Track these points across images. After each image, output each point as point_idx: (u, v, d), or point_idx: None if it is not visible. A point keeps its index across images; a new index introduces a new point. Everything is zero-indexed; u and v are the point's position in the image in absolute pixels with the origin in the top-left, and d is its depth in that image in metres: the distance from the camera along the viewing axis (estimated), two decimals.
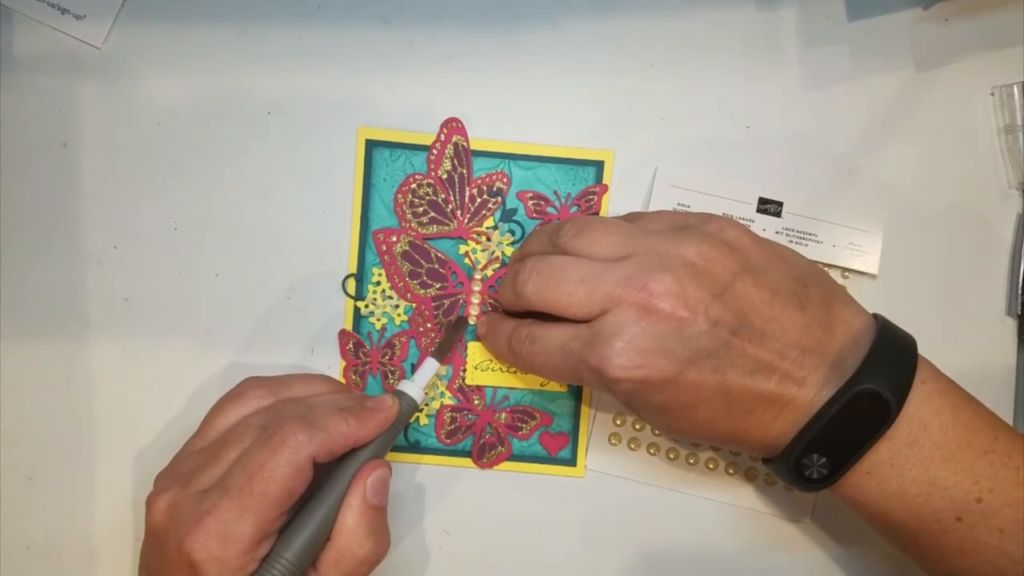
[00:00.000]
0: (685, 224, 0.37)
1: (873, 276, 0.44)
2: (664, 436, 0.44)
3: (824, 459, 0.35)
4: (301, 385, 0.39)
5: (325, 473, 0.36)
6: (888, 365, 0.35)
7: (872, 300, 0.44)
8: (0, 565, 0.43)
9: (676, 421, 0.36)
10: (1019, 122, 0.43)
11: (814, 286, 0.37)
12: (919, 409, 0.35)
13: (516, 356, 0.39)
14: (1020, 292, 0.44)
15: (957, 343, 0.44)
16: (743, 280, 0.35)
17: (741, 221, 0.43)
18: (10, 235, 0.43)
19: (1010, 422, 0.44)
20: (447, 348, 0.42)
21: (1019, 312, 0.44)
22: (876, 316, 0.37)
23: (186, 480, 0.34)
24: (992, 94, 0.44)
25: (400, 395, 0.38)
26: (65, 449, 0.43)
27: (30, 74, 0.43)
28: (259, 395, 0.38)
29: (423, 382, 0.40)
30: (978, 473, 0.34)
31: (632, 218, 0.39)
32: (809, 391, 0.35)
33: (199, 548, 0.32)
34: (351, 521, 0.35)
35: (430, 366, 0.40)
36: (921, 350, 0.44)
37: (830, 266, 0.44)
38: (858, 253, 0.43)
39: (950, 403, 0.35)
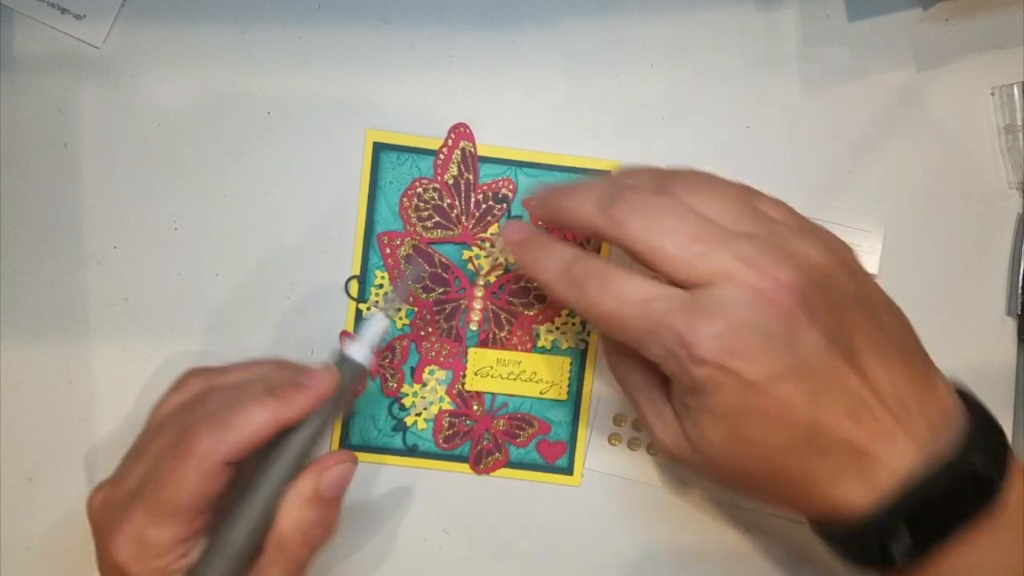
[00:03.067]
0: (808, 228, 0.33)
1: (873, 276, 0.44)
2: (709, 479, 0.37)
3: (909, 537, 0.29)
4: (241, 371, 0.37)
5: (267, 454, 0.34)
6: (988, 444, 0.31)
7: None
8: (0, 565, 0.43)
9: (734, 440, 0.30)
10: (1019, 122, 0.43)
11: (912, 338, 0.33)
12: (1015, 498, 0.30)
13: (574, 287, 0.32)
14: (1020, 292, 0.44)
15: (957, 343, 0.44)
16: (862, 309, 0.31)
17: None
18: (10, 235, 0.43)
19: (1010, 422, 0.44)
20: (399, 299, 0.39)
21: (1019, 312, 0.44)
22: (962, 391, 0.33)
23: (118, 477, 0.35)
24: (992, 94, 0.44)
25: (342, 363, 0.35)
26: (65, 449, 0.43)
27: (30, 74, 0.43)
28: (197, 385, 0.37)
29: (370, 341, 0.36)
30: None
31: (752, 196, 0.34)
32: (900, 453, 0.30)
33: (120, 551, 0.32)
34: (297, 510, 0.34)
35: (377, 323, 0.36)
36: None
37: None
38: (858, 253, 0.43)
39: None
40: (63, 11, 0.43)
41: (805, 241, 0.31)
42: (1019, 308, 0.44)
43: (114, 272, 0.43)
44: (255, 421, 0.33)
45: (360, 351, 0.36)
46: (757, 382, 0.29)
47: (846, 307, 0.31)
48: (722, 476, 0.33)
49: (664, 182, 0.33)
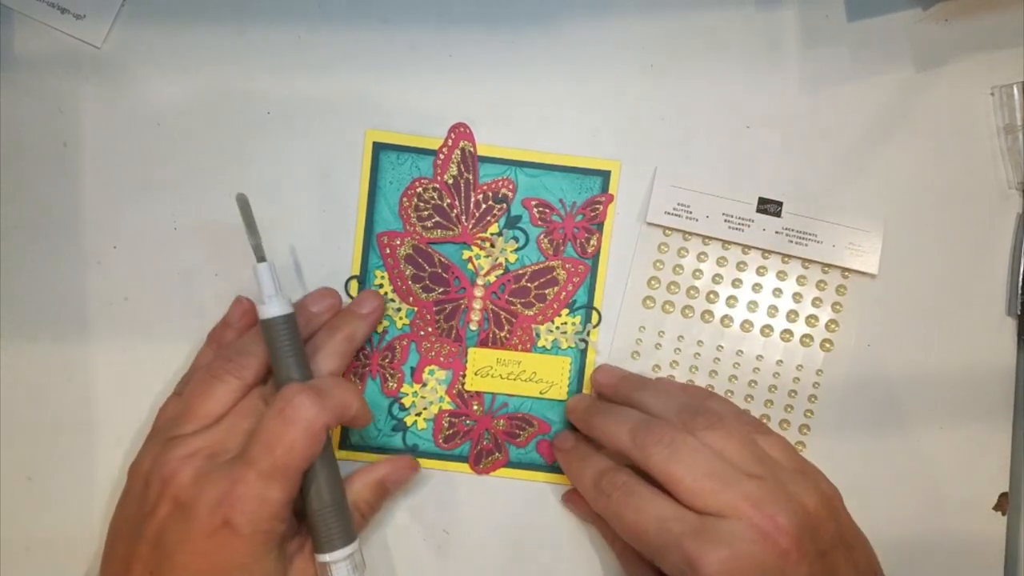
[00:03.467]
0: (803, 470, 0.38)
1: (873, 276, 0.44)
2: None
3: None
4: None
5: None
6: None
7: (872, 300, 0.44)
8: (0, 565, 0.43)
9: None
10: (1019, 122, 0.43)
11: (878, 567, 0.38)
12: None
13: (601, 495, 0.39)
14: (1020, 292, 0.44)
15: (957, 343, 0.44)
16: (841, 551, 0.36)
17: (740, 221, 0.43)
18: (10, 235, 0.43)
19: (1010, 422, 0.44)
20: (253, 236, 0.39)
21: (1019, 312, 0.44)
22: None
23: (209, 453, 0.37)
24: (992, 94, 0.44)
25: (270, 324, 0.38)
26: (65, 449, 0.43)
27: (30, 74, 0.43)
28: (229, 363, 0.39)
29: (269, 290, 0.38)
30: None
31: (754, 433, 0.40)
32: None
33: (237, 511, 0.35)
34: (363, 489, 0.41)
35: (261, 272, 0.38)
36: (921, 350, 0.44)
37: (830, 266, 0.44)
38: (858, 253, 0.43)
39: None
40: (63, 11, 0.43)
41: (801, 486, 0.37)
42: (1019, 308, 0.44)
43: (114, 272, 0.43)
44: (345, 396, 0.38)
45: (273, 307, 0.38)
46: None
47: (830, 549, 0.36)
48: None
49: (686, 419, 0.39)
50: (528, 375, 0.43)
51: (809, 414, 0.44)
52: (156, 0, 0.43)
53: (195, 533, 0.35)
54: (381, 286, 0.43)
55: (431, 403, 0.44)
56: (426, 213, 0.43)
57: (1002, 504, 0.43)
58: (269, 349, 0.38)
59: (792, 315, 0.44)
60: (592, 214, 0.44)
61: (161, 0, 0.43)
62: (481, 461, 0.44)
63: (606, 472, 0.39)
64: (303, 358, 0.38)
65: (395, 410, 0.44)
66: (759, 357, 0.44)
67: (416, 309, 0.44)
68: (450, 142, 0.43)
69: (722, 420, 0.38)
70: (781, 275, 0.44)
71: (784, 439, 0.40)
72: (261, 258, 0.39)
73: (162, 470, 0.36)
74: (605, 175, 0.44)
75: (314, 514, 0.38)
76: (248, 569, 0.35)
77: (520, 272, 0.44)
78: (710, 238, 0.44)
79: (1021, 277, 0.44)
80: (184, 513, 0.36)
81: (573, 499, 0.43)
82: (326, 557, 0.37)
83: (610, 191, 0.44)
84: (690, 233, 0.44)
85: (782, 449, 0.39)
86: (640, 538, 0.37)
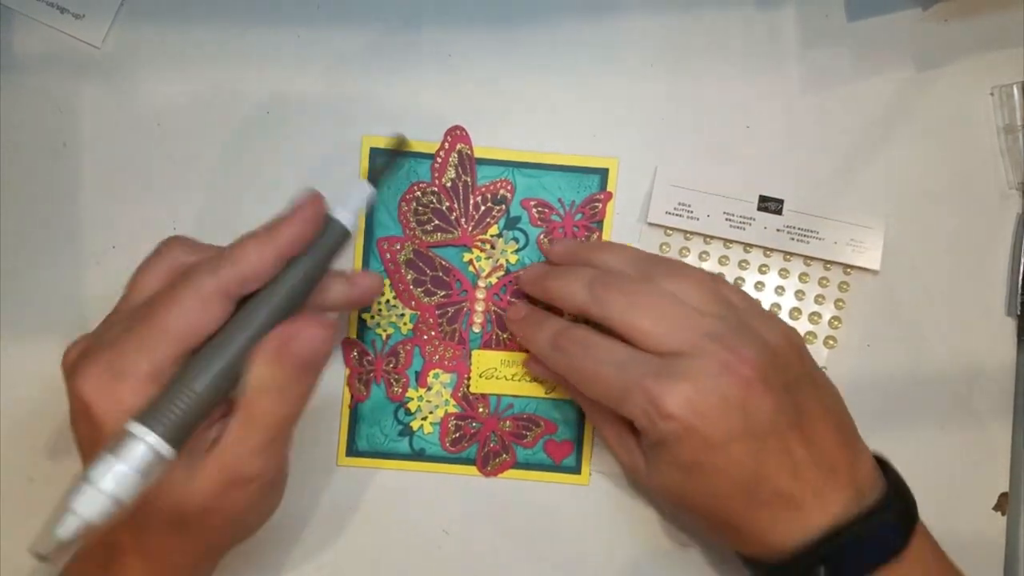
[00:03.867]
0: (765, 315, 0.38)
1: (875, 272, 0.44)
2: (663, 504, 0.43)
3: (825, 573, 0.35)
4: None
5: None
6: (901, 505, 0.36)
7: (874, 297, 0.44)
8: (0, 565, 0.43)
9: (692, 485, 0.36)
10: (1019, 122, 0.43)
11: (846, 415, 0.38)
12: (914, 556, 0.35)
13: (560, 353, 0.38)
14: (1020, 292, 0.44)
15: (957, 343, 0.44)
16: (807, 386, 0.36)
17: (741, 220, 0.43)
18: (10, 235, 0.43)
19: (1010, 422, 0.44)
20: (381, 173, 0.39)
21: (1019, 312, 0.44)
22: (879, 459, 0.38)
23: (99, 332, 0.34)
24: (992, 94, 0.44)
25: (328, 223, 0.35)
26: (65, 449, 0.43)
27: (30, 74, 0.43)
28: (182, 249, 0.36)
29: (355, 206, 0.36)
30: None
31: (718, 283, 0.39)
32: (827, 507, 0.35)
33: (89, 386, 0.31)
34: (263, 367, 0.32)
35: (361, 190, 0.37)
36: (921, 349, 0.44)
37: (832, 263, 0.44)
38: (860, 249, 0.43)
39: (938, 561, 0.37)
40: (62, 11, 0.43)
41: (764, 325, 0.37)
42: (1019, 308, 0.44)
43: (114, 272, 0.43)
44: (248, 253, 0.33)
45: (344, 214, 0.36)
46: (714, 440, 0.34)
47: (796, 384, 0.36)
48: (673, 508, 0.42)
49: (645, 268, 0.38)
50: (532, 375, 0.43)
51: None
52: (156, 0, 0.43)
53: (72, 421, 0.33)
54: (383, 292, 0.43)
55: (437, 407, 0.44)
56: (425, 217, 0.43)
57: (1002, 504, 0.43)
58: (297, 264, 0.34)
59: (795, 312, 0.44)
60: (591, 212, 0.44)
61: (161, 0, 0.43)
62: (489, 463, 0.44)
63: (562, 331, 0.38)
64: (315, 268, 0.34)
65: (401, 415, 0.44)
66: None
67: (419, 313, 0.44)
68: (447, 145, 0.43)
69: (681, 268, 0.38)
70: (783, 273, 0.44)
71: (745, 292, 0.40)
72: (374, 182, 0.36)
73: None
74: (603, 173, 0.44)
75: (173, 390, 0.31)
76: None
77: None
78: (711, 237, 0.44)
79: (1021, 277, 0.44)
80: (69, 388, 0.32)
81: (532, 364, 0.42)
82: (135, 427, 0.30)
83: (608, 188, 0.44)
84: (691, 233, 0.44)
85: (743, 295, 0.39)
86: (602, 389, 0.36)
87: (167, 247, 0.36)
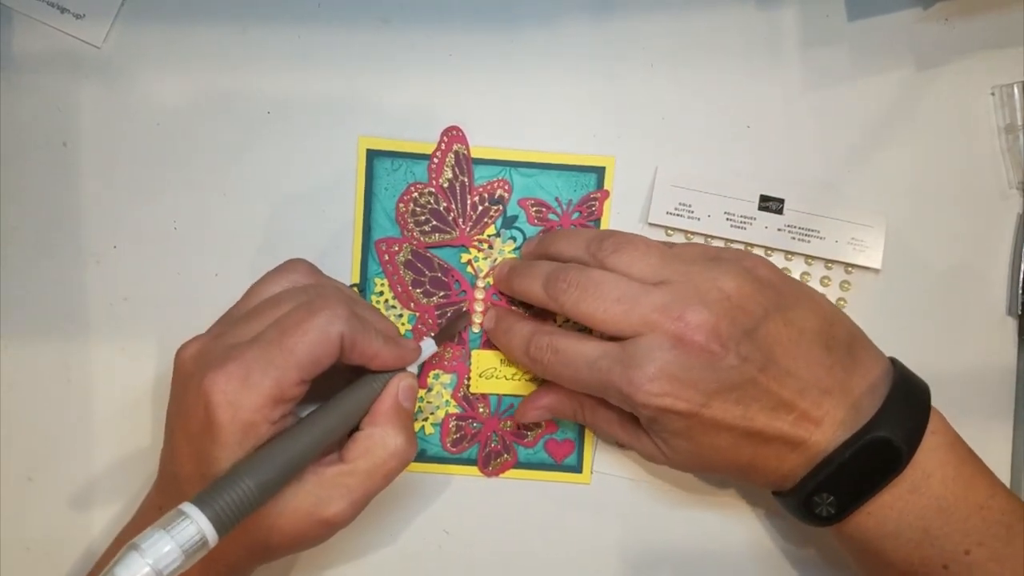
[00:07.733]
0: (719, 257, 0.38)
1: (876, 271, 0.44)
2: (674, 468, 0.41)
3: (832, 499, 0.36)
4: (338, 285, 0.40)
5: (345, 383, 0.37)
6: (902, 414, 0.36)
7: (876, 295, 0.44)
8: (0, 565, 0.43)
9: (695, 447, 0.37)
10: (1019, 122, 0.43)
11: (839, 325, 0.38)
12: (926, 459, 0.36)
13: (535, 363, 0.39)
14: (1020, 292, 0.44)
15: (957, 343, 0.44)
16: (774, 318, 0.36)
17: (742, 219, 0.43)
18: (10, 235, 0.43)
19: (1010, 422, 0.44)
20: (446, 336, 0.42)
21: (1019, 312, 0.44)
22: (893, 361, 0.38)
23: (218, 334, 0.36)
24: (992, 94, 0.44)
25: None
26: (65, 449, 0.43)
27: (30, 73, 0.43)
28: (304, 271, 0.39)
29: (420, 361, 0.39)
30: (970, 527, 0.35)
31: (666, 245, 0.40)
32: (825, 432, 0.36)
33: (218, 389, 0.32)
34: (385, 413, 0.36)
35: (428, 346, 0.40)
36: (921, 349, 0.44)
37: (833, 262, 0.44)
38: (861, 248, 0.43)
39: (955, 456, 0.36)
40: (63, 10, 0.43)
41: (717, 275, 0.36)
42: (1019, 308, 0.44)
43: (114, 272, 0.43)
44: (374, 342, 0.36)
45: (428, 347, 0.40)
46: (690, 410, 0.35)
47: (759, 325, 0.36)
48: (697, 471, 0.43)
49: (593, 249, 0.39)
50: (532, 375, 0.43)
51: None
52: (156, 0, 0.43)
53: (184, 412, 0.34)
54: (382, 293, 0.43)
55: (437, 407, 0.44)
56: (423, 218, 0.43)
57: None
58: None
59: None
60: (588, 211, 0.44)
61: (161, 0, 0.43)
62: (490, 463, 0.44)
63: (531, 338, 0.39)
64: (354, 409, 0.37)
65: None
66: None
67: (418, 314, 0.44)
68: (443, 146, 0.43)
69: (626, 241, 0.38)
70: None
71: (701, 244, 0.40)
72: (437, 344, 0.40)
73: (182, 344, 0.36)
74: (600, 171, 0.44)
75: (232, 479, 0.32)
76: (219, 462, 0.32)
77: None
78: (713, 237, 0.44)
79: (1021, 277, 0.44)
80: (181, 387, 0.35)
81: (526, 408, 0.42)
82: (190, 508, 0.31)
83: (605, 187, 0.44)
84: (692, 233, 0.44)
85: (690, 247, 0.39)
86: (582, 388, 0.38)
87: (292, 267, 0.39)
